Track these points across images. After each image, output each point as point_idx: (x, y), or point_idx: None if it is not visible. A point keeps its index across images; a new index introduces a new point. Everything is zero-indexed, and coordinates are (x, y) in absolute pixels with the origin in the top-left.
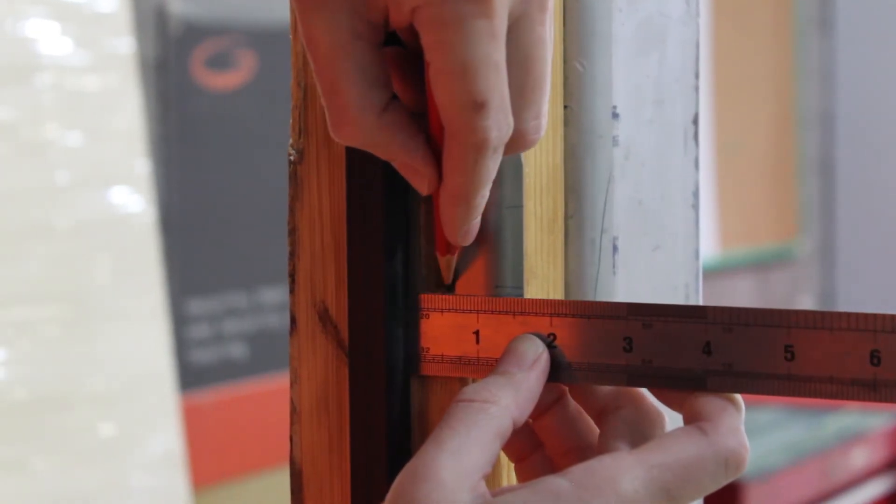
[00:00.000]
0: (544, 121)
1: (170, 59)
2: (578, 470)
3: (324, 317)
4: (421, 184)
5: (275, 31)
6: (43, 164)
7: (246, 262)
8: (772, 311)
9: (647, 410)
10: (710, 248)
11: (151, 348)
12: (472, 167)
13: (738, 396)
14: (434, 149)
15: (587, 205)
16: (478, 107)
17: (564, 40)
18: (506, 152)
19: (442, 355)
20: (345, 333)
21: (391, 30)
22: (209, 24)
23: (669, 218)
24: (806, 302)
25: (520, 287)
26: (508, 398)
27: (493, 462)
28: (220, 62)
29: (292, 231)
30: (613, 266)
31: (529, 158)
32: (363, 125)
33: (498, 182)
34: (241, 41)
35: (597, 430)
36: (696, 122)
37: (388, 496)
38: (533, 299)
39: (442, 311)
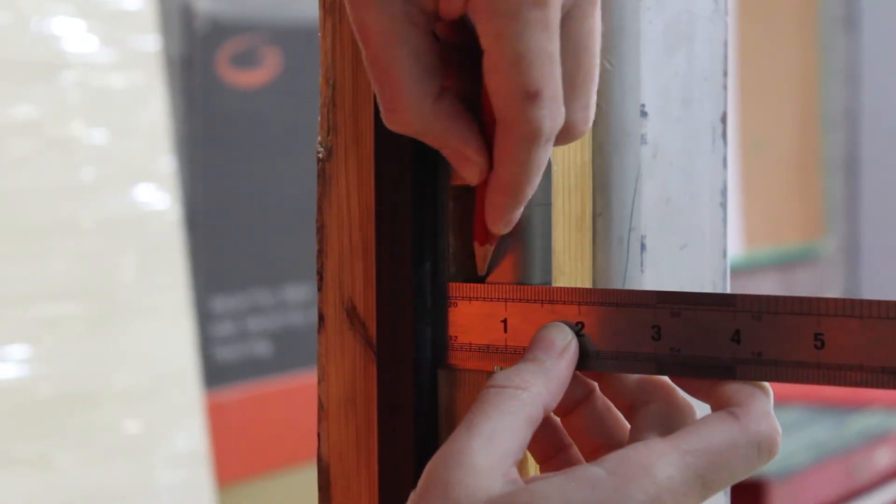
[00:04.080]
0: (592, 112)
1: (195, 56)
2: (612, 458)
3: (352, 314)
4: (472, 172)
5: (300, 28)
6: (68, 161)
7: (270, 260)
8: (801, 299)
9: (678, 403)
10: (734, 246)
11: (176, 345)
12: (524, 157)
13: (767, 384)
14: (487, 138)
15: (615, 203)
16: (531, 97)
17: None
18: (554, 143)
19: (470, 344)
20: (373, 331)
21: (440, 20)
22: (235, 21)
23: (697, 216)
24: None
25: (548, 284)
26: (540, 385)
27: (525, 448)
28: (245, 60)
29: (320, 228)
30: (641, 264)
31: (557, 156)
32: (417, 113)
33: None
34: (267, 39)
35: (627, 427)
36: (724, 120)
37: (421, 481)
38: (561, 287)
39: (470, 299)
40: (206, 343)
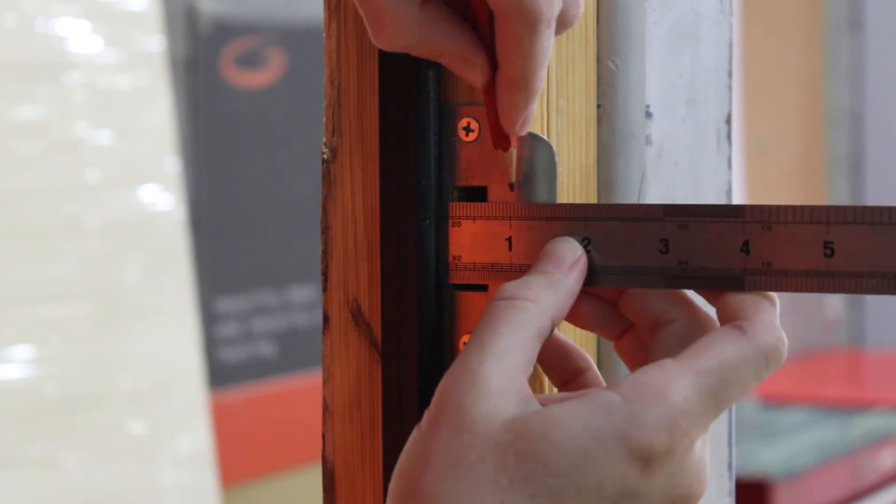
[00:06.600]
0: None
1: (200, 57)
2: (627, 382)
3: (356, 315)
4: (474, 75)
5: (305, 29)
6: (73, 162)
7: (275, 261)
8: (810, 208)
9: (700, 319)
10: None
11: (181, 346)
12: (528, 46)
13: (773, 294)
14: (482, 39)
15: None
16: None
17: (598, 39)
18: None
19: (474, 263)
20: (377, 332)
21: None
22: (239, 22)
23: None
24: (834, 303)
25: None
26: (549, 297)
27: (534, 362)
28: (249, 61)
29: (325, 229)
30: None
31: (563, 157)
32: (404, 23)
33: (531, 180)
34: (271, 40)
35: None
36: (728, 121)
37: (433, 403)
38: (566, 204)
39: (473, 218)
40: (211, 344)
